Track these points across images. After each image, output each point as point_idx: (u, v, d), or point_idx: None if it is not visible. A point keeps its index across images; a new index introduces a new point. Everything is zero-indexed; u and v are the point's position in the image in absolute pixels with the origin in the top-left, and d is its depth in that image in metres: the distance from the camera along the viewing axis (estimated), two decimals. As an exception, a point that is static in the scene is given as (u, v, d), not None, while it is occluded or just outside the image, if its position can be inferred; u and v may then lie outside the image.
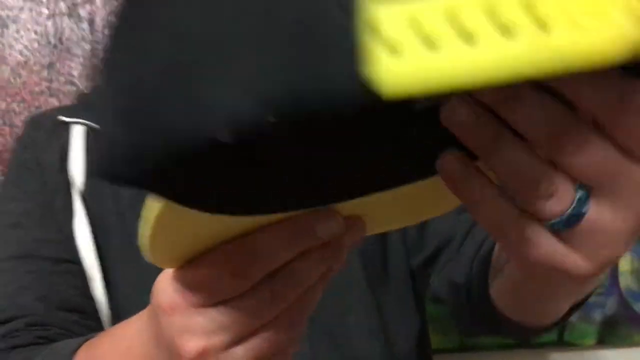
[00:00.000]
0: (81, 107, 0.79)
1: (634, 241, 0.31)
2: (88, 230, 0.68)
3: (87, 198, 0.71)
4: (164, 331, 0.39)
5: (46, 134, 0.76)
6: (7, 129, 1.09)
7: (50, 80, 1.11)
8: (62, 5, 1.11)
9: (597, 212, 0.29)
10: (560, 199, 0.28)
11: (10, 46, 1.10)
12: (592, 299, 1.04)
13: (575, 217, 0.29)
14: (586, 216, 0.29)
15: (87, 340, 0.53)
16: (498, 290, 0.58)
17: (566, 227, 0.29)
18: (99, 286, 0.68)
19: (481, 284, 0.61)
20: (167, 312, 0.38)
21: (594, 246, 0.30)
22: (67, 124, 0.75)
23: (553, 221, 0.29)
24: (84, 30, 1.11)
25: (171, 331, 0.38)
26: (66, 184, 0.72)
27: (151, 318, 0.42)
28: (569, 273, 0.30)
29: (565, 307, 0.56)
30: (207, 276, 0.37)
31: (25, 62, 1.10)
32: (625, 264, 1.18)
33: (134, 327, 0.46)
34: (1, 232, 0.71)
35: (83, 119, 0.74)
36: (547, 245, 0.30)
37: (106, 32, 1.09)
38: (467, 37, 0.23)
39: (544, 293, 0.50)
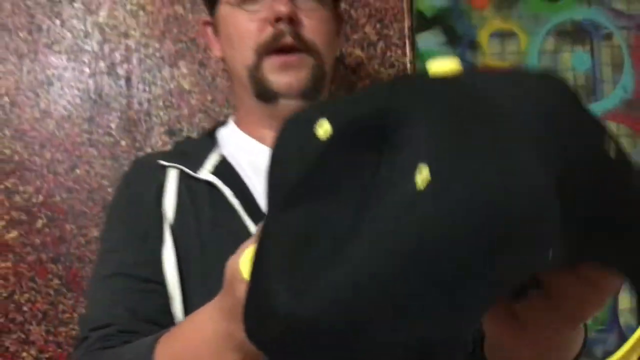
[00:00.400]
0: (175, 154, 0.91)
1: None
2: (174, 257, 0.80)
3: (175, 230, 0.82)
4: (239, 299, 0.45)
5: (146, 174, 0.89)
6: (51, 176, 1.20)
7: (91, 132, 1.21)
8: (102, 65, 1.23)
9: None
10: None
11: (55, 102, 1.22)
12: (593, 335, 1.12)
13: None
14: None
15: (163, 333, 0.65)
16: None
17: None
18: (178, 305, 0.79)
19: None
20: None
21: None
22: (165, 167, 0.87)
23: None
24: (121, 87, 1.23)
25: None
26: (159, 217, 0.83)
27: (224, 295, 0.52)
28: None
29: None
30: None
31: (68, 116, 1.21)
32: (624, 302, 1.25)
33: (207, 309, 0.58)
34: (103, 256, 0.85)
35: (178, 164, 0.87)
36: None
37: (143, 88, 1.21)
38: None
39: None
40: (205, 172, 0.85)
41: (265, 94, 0.86)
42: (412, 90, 0.38)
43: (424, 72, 0.39)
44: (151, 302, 0.79)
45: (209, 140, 0.93)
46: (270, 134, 0.81)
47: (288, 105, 0.85)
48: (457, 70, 0.39)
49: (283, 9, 0.82)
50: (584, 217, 0.36)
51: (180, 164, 0.86)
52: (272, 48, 0.84)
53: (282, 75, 0.85)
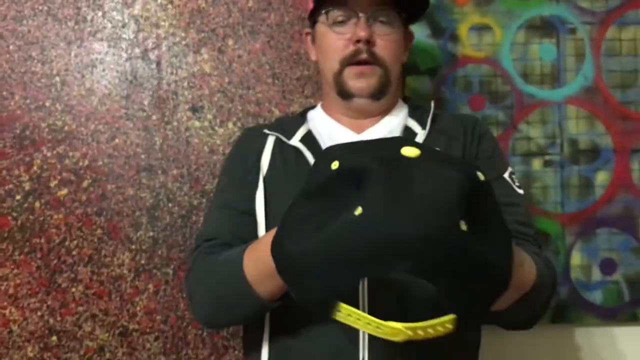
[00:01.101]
0: (275, 126, 1.21)
1: None
2: (263, 198, 1.11)
3: (267, 180, 1.13)
4: None
5: (252, 138, 1.20)
6: (94, 144, 1.44)
7: (127, 108, 1.44)
8: (137, 51, 1.45)
9: None
10: None
11: (97, 82, 1.44)
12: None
13: None
14: None
15: (249, 244, 0.99)
16: None
17: None
18: (262, 230, 1.09)
19: None
20: None
21: None
22: (266, 135, 1.18)
23: None
24: (152, 70, 1.45)
25: None
26: (257, 170, 1.14)
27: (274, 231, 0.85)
28: None
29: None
30: None
31: (108, 94, 1.44)
32: (575, 260, 1.46)
33: (269, 235, 0.89)
34: (216, 193, 1.20)
35: (275, 133, 1.17)
36: None
37: (171, 71, 1.42)
38: None
39: None
40: (295, 140, 1.15)
41: (344, 93, 1.15)
42: (382, 162, 0.71)
43: (396, 153, 0.73)
44: (244, 227, 1.10)
45: (300, 118, 1.22)
46: (345, 119, 1.18)
47: (360, 102, 1.14)
48: (417, 154, 0.72)
49: (362, 33, 1.09)
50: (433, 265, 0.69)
51: (277, 133, 1.17)
52: (352, 61, 1.12)
53: (357, 81, 1.13)
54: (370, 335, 0.92)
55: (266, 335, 1.06)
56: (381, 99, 1.16)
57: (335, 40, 1.13)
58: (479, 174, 0.73)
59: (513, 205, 1.09)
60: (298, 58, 1.45)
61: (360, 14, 1.11)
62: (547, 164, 1.47)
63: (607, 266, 1.47)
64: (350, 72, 1.13)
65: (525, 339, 1.43)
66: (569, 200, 1.46)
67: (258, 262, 0.93)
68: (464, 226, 0.68)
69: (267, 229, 1.08)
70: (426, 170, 0.69)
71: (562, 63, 1.47)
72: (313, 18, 1.18)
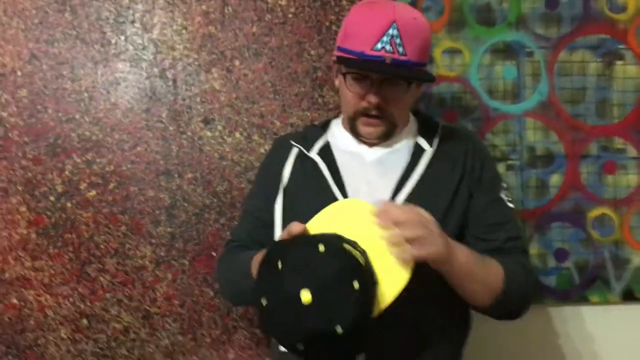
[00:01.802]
0: (299, 136, 1.39)
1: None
2: (281, 208, 1.31)
3: (287, 190, 1.32)
4: None
5: (279, 149, 1.40)
6: (119, 152, 1.64)
7: (147, 120, 1.65)
8: (155, 70, 1.66)
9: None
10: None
11: (121, 97, 1.65)
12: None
13: None
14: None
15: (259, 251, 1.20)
16: None
17: None
18: (278, 234, 1.28)
19: None
20: None
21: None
22: (291, 145, 1.36)
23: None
24: (169, 86, 1.66)
25: None
26: (279, 180, 1.33)
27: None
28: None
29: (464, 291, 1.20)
30: None
31: (131, 108, 1.65)
32: (533, 250, 1.71)
33: None
34: (246, 198, 1.49)
35: (297, 144, 1.35)
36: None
37: (185, 87, 1.63)
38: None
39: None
40: (313, 153, 1.33)
41: (355, 133, 1.31)
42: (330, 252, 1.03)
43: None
44: (262, 232, 1.34)
45: (321, 128, 1.40)
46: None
47: (368, 141, 1.31)
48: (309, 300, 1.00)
49: (373, 100, 1.24)
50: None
51: (299, 144, 1.35)
52: (364, 113, 1.27)
53: (366, 128, 1.29)
54: None
55: None
56: (388, 140, 1.31)
57: (351, 95, 1.27)
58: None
59: (506, 223, 1.29)
60: (296, 76, 1.67)
61: (374, 76, 1.23)
62: (509, 167, 1.71)
63: (560, 255, 1.72)
64: (361, 120, 1.28)
65: (489, 318, 1.66)
66: (528, 198, 1.71)
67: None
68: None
69: None
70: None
71: (522, 81, 1.72)
72: (337, 58, 1.29)
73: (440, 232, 1.10)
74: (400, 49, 1.20)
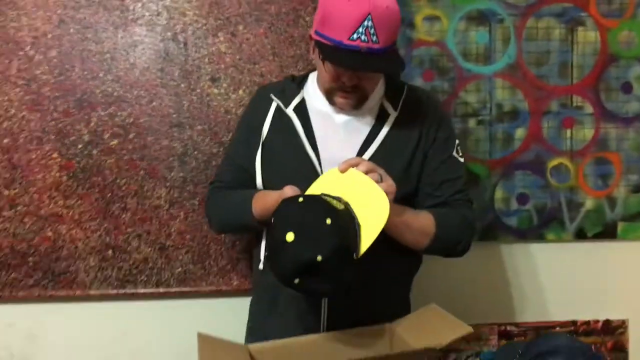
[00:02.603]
0: (279, 89, 1.55)
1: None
2: (260, 159, 1.51)
3: (265, 144, 1.52)
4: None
5: (260, 101, 1.58)
6: (137, 106, 1.87)
7: (162, 78, 1.88)
8: (169, 34, 1.87)
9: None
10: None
11: (139, 57, 1.87)
12: (477, 214, 1.82)
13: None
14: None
15: (256, 191, 1.48)
16: None
17: None
18: (259, 181, 1.52)
19: None
20: None
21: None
22: (271, 99, 1.53)
23: None
24: (181, 49, 1.88)
25: None
26: (260, 133, 1.52)
27: (278, 195, 1.36)
28: None
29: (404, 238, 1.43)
30: None
31: (147, 67, 1.88)
32: (498, 194, 1.96)
33: (274, 194, 1.39)
34: (230, 142, 1.73)
35: (277, 99, 1.52)
36: None
37: (195, 50, 1.86)
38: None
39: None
40: (290, 109, 1.50)
41: (330, 102, 1.47)
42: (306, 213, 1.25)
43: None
44: (243, 177, 1.56)
45: (298, 85, 1.54)
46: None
47: (343, 110, 1.47)
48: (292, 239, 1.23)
49: (349, 82, 1.39)
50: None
51: (278, 99, 1.52)
52: (339, 89, 1.42)
53: (341, 100, 1.44)
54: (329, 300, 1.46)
55: (263, 237, 1.54)
56: (360, 108, 1.46)
57: (326, 74, 1.42)
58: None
59: (454, 180, 1.50)
60: (292, 41, 1.89)
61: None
62: (479, 122, 1.95)
63: (522, 199, 1.97)
64: (338, 94, 1.44)
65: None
66: (495, 149, 1.95)
67: (264, 209, 1.42)
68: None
69: (263, 182, 1.50)
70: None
71: (493, 46, 1.94)
72: (316, 42, 1.41)
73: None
74: (374, 38, 1.33)
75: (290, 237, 1.20)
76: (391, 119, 1.48)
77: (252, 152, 1.53)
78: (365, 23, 1.31)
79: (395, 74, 1.50)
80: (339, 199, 1.28)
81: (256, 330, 1.58)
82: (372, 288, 1.45)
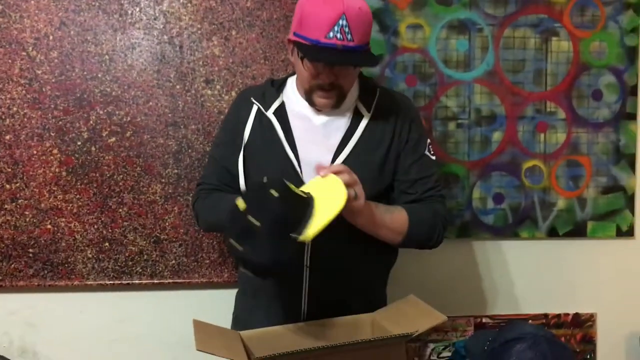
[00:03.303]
0: (259, 93, 1.62)
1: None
2: (242, 161, 1.59)
3: (247, 146, 1.59)
4: None
5: (242, 104, 1.64)
6: (134, 105, 1.97)
7: (158, 79, 1.98)
8: (165, 37, 1.97)
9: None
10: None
11: (136, 59, 1.97)
12: (455, 212, 1.96)
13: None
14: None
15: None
16: None
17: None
18: (242, 182, 1.59)
19: None
20: None
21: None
22: (252, 103, 1.61)
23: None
24: (177, 51, 1.97)
25: None
26: (242, 136, 1.59)
27: None
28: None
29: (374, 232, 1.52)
30: None
31: (144, 69, 1.97)
32: (476, 194, 2.07)
33: None
34: (213, 145, 1.77)
35: (257, 102, 1.60)
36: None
37: (190, 53, 1.96)
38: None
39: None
40: (270, 112, 1.57)
41: (310, 102, 1.54)
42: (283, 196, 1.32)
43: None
44: (229, 177, 1.63)
45: (277, 90, 1.61)
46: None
47: (323, 109, 1.54)
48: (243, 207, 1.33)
49: (327, 79, 1.47)
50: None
51: (258, 103, 1.60)
52: (319, 88, 1.49)
53: (321, 100, 1.51)
54: (310, 285, 1.53)
55: None
56: (339, 107, 1.53)
57: (305, 72, 1.49)
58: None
59: (426, 177, 1.58)
60: (283, 45, 1.99)
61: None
62: (458, 125, 2.06)
63: (498, 198, 2.09)
64: (317, 94, 1.51)
65: (437, 249, 1.70)
66: (473, 151, 2.07)
67: None
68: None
69: (246, 184, 1.57)
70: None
71: (472, 53, 2.05)
72: (295, 42, 1.48)
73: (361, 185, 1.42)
74: (349, 36, 1.41)
75: (241, 204, 1.30)
76: (365, 121, 1.56)
77: (235, 154, 1.60)
78: (340, 22, 1.40)
79: (371, 66, 1.59)
80: (305, 192, 1.34)
81: (240, 319, 1.68)
82: (348, 282, 1.56)
